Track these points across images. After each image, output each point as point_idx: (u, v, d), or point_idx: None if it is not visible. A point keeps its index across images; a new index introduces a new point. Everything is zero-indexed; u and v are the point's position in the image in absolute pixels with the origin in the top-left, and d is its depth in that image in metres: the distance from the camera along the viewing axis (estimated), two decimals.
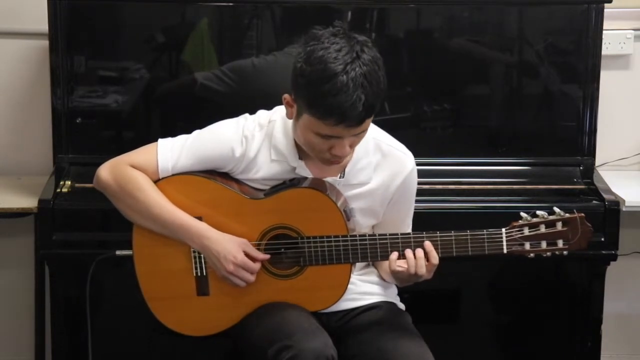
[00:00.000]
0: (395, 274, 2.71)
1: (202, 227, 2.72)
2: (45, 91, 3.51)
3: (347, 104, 2.50)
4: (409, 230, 2.88)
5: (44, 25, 3.42)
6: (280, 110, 2.79)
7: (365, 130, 2.61)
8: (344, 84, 2.50)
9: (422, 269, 2.65)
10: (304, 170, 2.75)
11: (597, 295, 3.44)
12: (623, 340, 3.96)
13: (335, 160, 2.65)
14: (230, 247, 2.69)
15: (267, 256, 2.72)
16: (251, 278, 2.71)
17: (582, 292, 3.48)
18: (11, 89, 3.71)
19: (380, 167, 2.78)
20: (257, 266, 2.70)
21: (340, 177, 2.76)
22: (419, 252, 2.65)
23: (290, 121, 2.72)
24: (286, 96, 2.65)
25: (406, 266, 2.67)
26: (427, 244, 2.65)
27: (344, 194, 2.76)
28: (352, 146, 2.63)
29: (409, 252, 2.66)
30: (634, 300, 3.95)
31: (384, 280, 2.90)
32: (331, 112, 2.51)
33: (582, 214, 2.66)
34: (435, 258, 2.65)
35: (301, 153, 2.74)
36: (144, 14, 3.48)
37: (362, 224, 2.81)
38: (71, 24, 3.41)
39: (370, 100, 2.53)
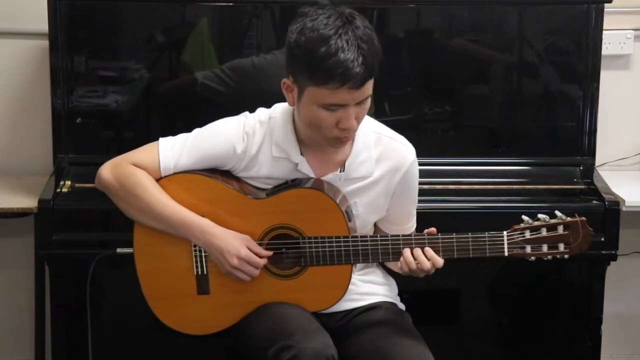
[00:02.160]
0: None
1: (205, 224, 2.72)
2: (45, 91, 3.51)
3: (346, 63, 2.52)
4: (414, 220, 2.88)
5: (44, 25, 3.42)
6: (280, 107, 2.79)
7: (368, 98, 2.62)
8: (339, 45, 2.52)
9: (426, 266, 2.65)
10: (305, 166, 2.75)
11: (597, 295, 3.45)
12: (623, 340, 3.96)
13: (344, 136, 2.65)
14: (234, 242, 2.70)
15: (270, 253, 2.72)
16: (256, 272, 2.71)
17: (582, 292, 3.48)
18: (11, 89, 3.71)
19: (382, 160, 2.78)
20: (261, 261, 2.70)
21: (340, 171, 2.76)
22: (417, 252, 2.66)
23: (291, 117, 2.73)
24: (285, 80, 2.66)
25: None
26: (428, 251, 2.66)
27: (346, 189, 2.76)
28: (358, 119, 2.63)
29: (406, 252, 2.66)
30: (634, 300, 3.95)
31: (386, 276, 2.91)
32: (332, 74, 2.52)
33: (584, 218, 2.66)
34: (438, 262, 2.66)
35: (303, 148, 2.74)
36: (144, 14, 3.48)
37: (367, 219, 2.81)
38: (71, 24, 3.41)
39: (369, 59, 2.55)
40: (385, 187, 2.79)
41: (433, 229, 2.69)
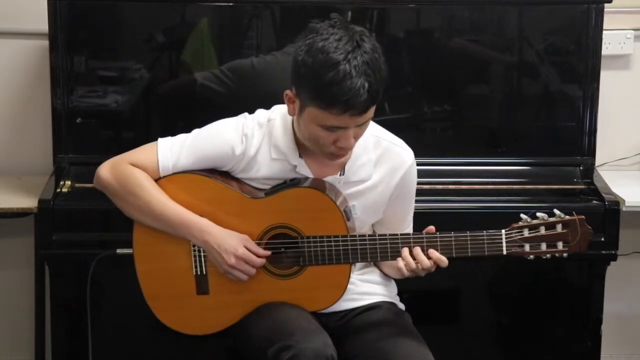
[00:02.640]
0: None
1: (204, 223, 2.72)
2: (45, 91, 3.51)
3: (352, 92, 2.51)
4: (410, 226, 2.88)
5: (44, 25, 3.42)
6: (279, 109, 2.79)
7: (368, 120, 2.62)
8: (347, 72, 2.51)
9: (426, 264, 2.65)
10: (304, 169, 2.75)
11: (597, 295, 3.45)
12: (623, 340, 3.96)
13: (341, 154, 2.66)
14: (232, 241, 2.70)
15: (268, 252, 2.72)
16: (252, 271, 2.71)
17: (582, 292, 3.48)
18: (11, 89, 3.71)
19: (380, 163, 2.78)
20: (258, 260, 2.70)
21: (340, 175, 2.77)
22: (416, 250, 2.65)
23: (290, 119, 2.73)
24: (287, 92, 2.65)
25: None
26: (433, 253, 2.65)
27: (345, 192, 2.76)
28: (356, 137, 2.64)
29: (405, 252, 2.66)
30: (634, 300, 3.95)
31: (386, 276, 2.91)
32: (336, 101, 2.52)
33: (582, 216, 2.65)
34: (443, 262, 2.65)
35: (301, 151, 2.74)
36: (144, 14, 3.48)
37: (365, 221, 2.81)
38: (71, 24, 3.41)
39: (374, 87, 2.54)
40: (384, 190, 2.79)
41: (432, 228, 2.68)
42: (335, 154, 2.66)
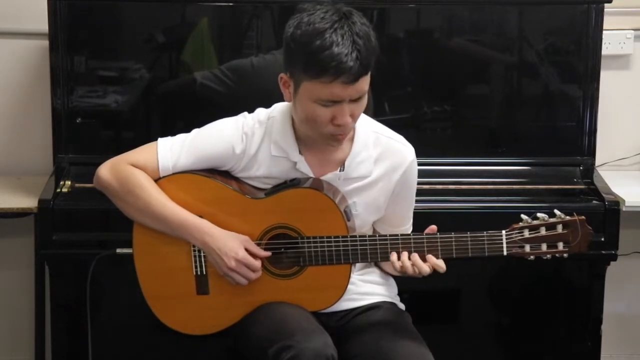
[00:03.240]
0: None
1: (204, 224, 2.72)
2: (45, 91, 3.51)
3: (340, 56, 2.52)
4: (410, 225, 2.88)
5: (44, 25, 3.43)
6: (279, 107, 2.79)
7: (363, 96, 2.61)
8: (334, 39, 2.53)
9: (425, 270, 2.65)
10: (304, 165, 2.75)
11: (597, 295, 3.45)
12: (623, 340, 3.96)
13: (339, 133, 2.65)
14: (232, 244, 2.69)
15: (268, 253, 2.72)
16: (252, 275, 2.71)
17: (582, 292, 3.48)
18: (11, 89, 3.71)
19: (381, 159, 2.78)
20: (258, 263, 2.70)
21: (340, 171, 2.76)
22: (414, 257, 2.65)
23: (290, 116, 2.73)
24: (282, 75, 2.67)
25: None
26: (430, 258, 2.65)
27: (345, 188, 2.76)
28: (353, 116, 2.63)
29: (403, 255, 2.66)
30: (634, 300, 3.95)
31: (387, 274, 2.91)
32: (326, 67, 2.53)
33: (583, 217, 2.65)
34: (441, 268, 2.65)
35: (302, 147, 2.74)
36: (144, 14, 3.48)
37: (366, 219, 2.81)
38: (71, 24, 3.41)
39: (364, 55, 2.54)
40: (385, 186, 2.79)
41: (434, 227, 2.68)
42: (334, 133, 2.65)
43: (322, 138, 2.67)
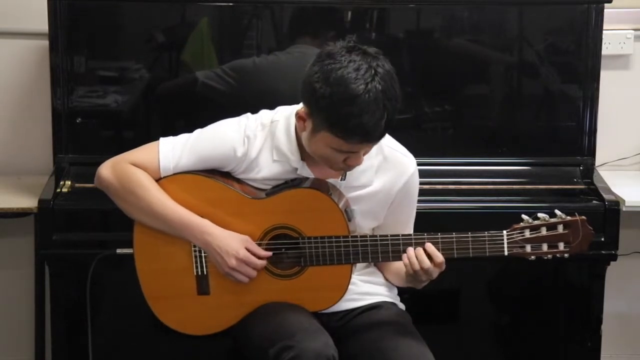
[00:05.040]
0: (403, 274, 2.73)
1: (205, 224, 2.72)
2: (45, 91, 3.51)
3: (370, 124, 2.52)
4: (411, 232, 2.87)
5: (44, 25, 3.42)
6: (283, 111, 2.79)
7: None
8: (366, 106, 2.51)
9: (426, 264, 2.65)
10: (305, 172, 2.75)
11: (597, 295, 3.45)
12: (623, 340, 3.96)
13: (348, 170, 2.70)
14: (233, 243, 2.70)
15: (269, 253, 2.72)
16: (253, 273, 2.71)
17: (582, 292, 3.48)
18: (11, 89, 3.71)
19: (382, 170, 2.78)
20: (259, 262, 2.70)
21: (341, 180, 2.77)
22: (418, 250, 2.66)
23: (294, 122, 2.73)
24: (300, 111, 2.65)
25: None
26: (429, 246, 2.65)
27: (345, 196, 2.76)
28: (365, 154, 2.66)
29: (410, 251, 2.66)
30: (634, 300, 3.95)
31: (387, 281, 2.90)
32: (355, 133, 2.54)
33: (584, 217, 2.65)
34: (438, 257, 2.65)
35: (303, 154, 2.74)
36: (144, 14, 3.48)
37: (363, 226, 2.81)
38: (71, 24, 3.41)
39: (391, 117, 2.56)
40: (385, 197, 2.80)
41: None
42: (344, 169, 2.69)
43: (329, 167, 2.70)
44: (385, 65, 2.57)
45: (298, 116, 2.65)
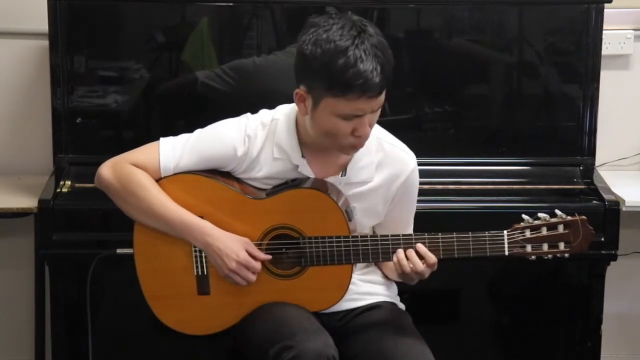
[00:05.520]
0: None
1: (205, 225, 2.72)
2: (45, 91, 3.51)
3: (366, 74, 2.53)
4: (411, 229, 2.88)
5: (44, 25, 3.42)
6: (283, 109, 2.79)
7: (381, 104, 2.63)
8: (358, 56, 2.53)
9: (419, 267, 2.65)
10: (306, 169, 2.75)
11: (597, 295, 3.45)
12: (623, 340, 3.96)
13: (358, 144, 2.66)
14: (233, 245, 2.69)
15: (269, 257, 2.72)
16: (252, 277, 2.71)
17: (582, 292, 3.48)
18: (11, 89, 3.71)
19: (382, 166, 2.78)
20: (259, 265, 2.70)
21: (342, 176, 2.77)
22: (410, 252, 2.66)
23: (294, 119, 2.73)
24: (297, 91, 2.65)
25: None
26: (420, 247, 2.65)
27: (346, 193, 2.76)
28: (371, 125, 2.64)
29: (400, 253, 2.66)
30: (634, 300, 3.95)
31: (387, 279, 2.91)
32: (352, 85, 2.53)
33: (584, 217, 2.66)
34: (431, 258, 2.65)
35: (304, 151, 2.74)
36: (144, 14, 3.48)
37: (364, 223, 2.81)
38: (71, 24, 3.41)
39: (386, 68, 2.56)
40: (385, 193, 2.80)
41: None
42: (354, 144, 2.66)
43: (339, 149, 2.68)
44: (370, 25, 2.60)
45: (297, 97, 2.66)
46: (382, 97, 2.61)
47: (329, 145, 2.68)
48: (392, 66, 2.60)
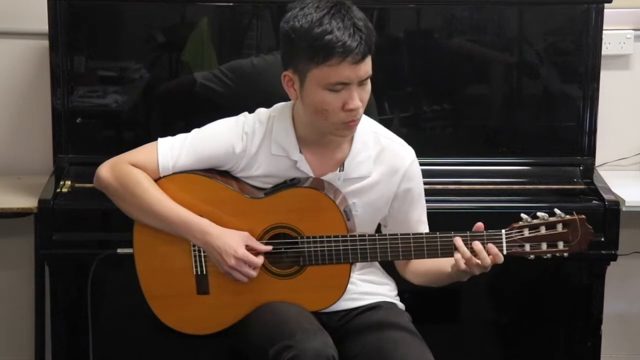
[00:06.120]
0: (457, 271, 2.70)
1: (204, 223, 2.72)
2: (45, 91, 3.51)
3: (344, 36, 2.55)
4: (425, 226, 2.87)
5: (44, 25, 3.42)
6: (279, 107, 2.80)
7: (369, 77, 2.63)
8: (335, 23, 2.57)
9: (487, 262, 2.64)
10: (304, 165, 2.75)
11: (597, 295, 3.44)
12: (623, 340, 3.96)
13: (351, 120, 2.65)
14: (232, 242, 2.70)
15: (269, 248, 2.72)
16: (253, 273, 2.71)
17: (582, 292, 3.48)
18: (11, 89, 3.71)
19: (380, 160, 2.79)
20: (259, 260, 2.70)
21: (340, 171, 2.77)
22: (479, 248, 2.64)
23: (291, 115, 2.75)
24: (285, 73, 2.67)
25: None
26: (491, 248, 2.63)
27: (345, 189, 2.76)
28: (362, 100, 2.64)
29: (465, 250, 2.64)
30: (634, 300, 3.95)
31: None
32: (332, 49, 2.55)
33: (583, 216, 2.65)
34: (500, 258, 2.64)
35: (302, 147, 2.74)
36: (144, 14, 3.48)
37: (366, 220, 2.81)
38: (71, 24, 3.41)
39: (366, 34, 2.58)
40: (385, 189, 2.79)
41: (480, 224, 2.67)
42: (346, 121, 2.65)
43: (334, 129, 2.67)
44: (348, 3, 2.63)
45: (286, 82, 2.67)
46: (367, 65, 2.61)
47: (323, 128, 2.68)
48: (373, 36, 2.62)
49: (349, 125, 2.67)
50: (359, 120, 2.68)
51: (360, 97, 2.62)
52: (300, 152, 2.75)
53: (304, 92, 2.64)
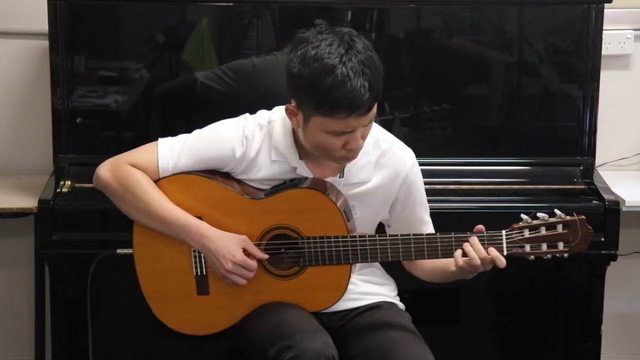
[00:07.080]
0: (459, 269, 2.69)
1: (202, 226, 2.72)
2: (45, 91, 3.51)
3: (353, 93, 2.52)
4: (430, 227, 2.87)
5: (44, 25, 3.42)
6: (280, 111, 2.79)
7: (372, 118, 2.62)
8: (345, 75, 2.52)
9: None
10: (304, 170, 2.75)
11: (597, 295, 3.44)
12: (623, 340, 3.96)
13: (350, 156, 2.66)
14: (229, 246, 2.69)
15: (266, 255, 2.72)
16: (250, 275, 2.71)
17: (582, 292, 3.48)
18: (11, 89, 3.71)
19: (380, 165, 2.78)
20: (255, 264, 2.70)
21: (340, 177, 2.77)
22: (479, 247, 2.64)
23: (290, 124, 2.72)
24: (288, 106, 2.65)
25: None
26: (492, 251, 2.63)
27: (345, 194, 2.76)
28: (364, 137, 2.64)
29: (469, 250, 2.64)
30: (634, 300, 3.95)
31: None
32: (340, 105, 2.53)
33: (583, 217, 2.65)
34: (502, 262, 2.63)
35: (301, 153, 2.74)
36: (144, 14, 3.48)
37: (366, 222, 2.81)
38: (71, 24, 3.41)
39: (374, 85, 2.55)
40: (385, 193, 2.80)
41: (481, 227, 2.67)
42: (346, 157, 2.66)
43: (332, 160, 2.68)
44: (359, 40, 2.58)
45: (289, 112, 2.66)
46: (373, 112, 2.60)
47: (323, 157, 2.69)
48: (381, 81, 2.58)
49: (348, 159, 2.68)
50: (358, 153, 2.68)
51: (362, 134, 2.63)
52: (300, 158, 2.74)
53: (306, 129, 2.64)
